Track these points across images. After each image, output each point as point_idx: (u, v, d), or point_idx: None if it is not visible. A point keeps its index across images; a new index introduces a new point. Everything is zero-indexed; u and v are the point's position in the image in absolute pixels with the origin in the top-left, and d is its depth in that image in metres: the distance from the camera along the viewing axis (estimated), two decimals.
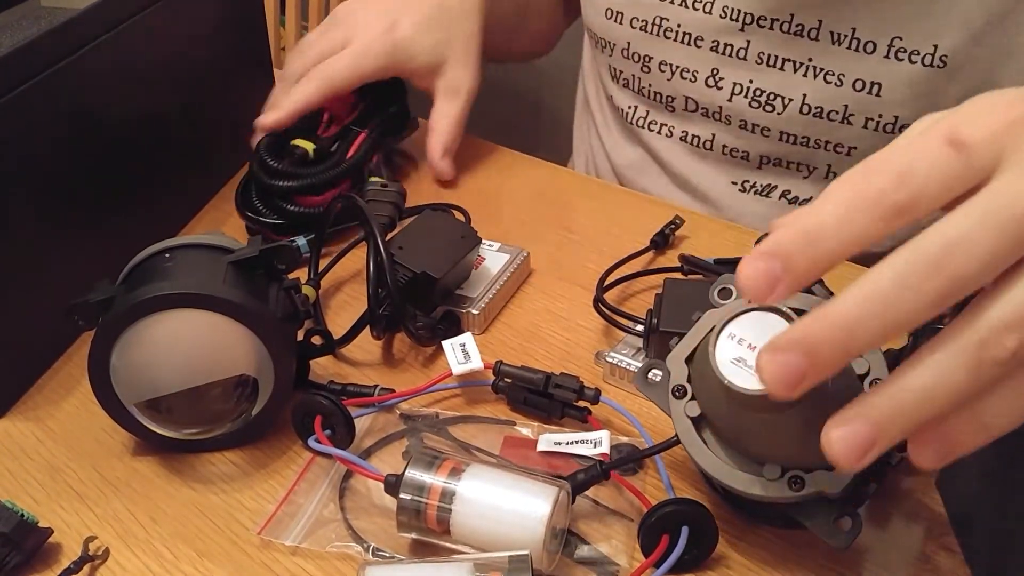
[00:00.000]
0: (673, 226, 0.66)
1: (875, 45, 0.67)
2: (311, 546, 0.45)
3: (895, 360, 0.52)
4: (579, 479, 0.45)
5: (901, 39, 0.66)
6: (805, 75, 0.70)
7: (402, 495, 0.43)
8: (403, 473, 0.43)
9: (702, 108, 0.76)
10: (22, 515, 0.43)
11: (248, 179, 0.68)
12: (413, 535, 0.44)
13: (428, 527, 0.43)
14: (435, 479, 0.43)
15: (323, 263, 0.62)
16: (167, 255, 0.49)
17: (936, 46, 0.65)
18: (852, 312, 0.31)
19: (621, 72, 0.80)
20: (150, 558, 0.45)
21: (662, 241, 0.65)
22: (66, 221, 0.56)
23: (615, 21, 0.77)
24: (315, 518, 0.46)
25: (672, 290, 0.53)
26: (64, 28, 0.54)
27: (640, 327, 0.53)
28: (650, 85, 0.78)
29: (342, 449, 0.47)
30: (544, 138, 1.92)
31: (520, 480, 0.43)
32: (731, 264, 0.59)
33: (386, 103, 0.74)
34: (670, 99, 0.77)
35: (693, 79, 0.74)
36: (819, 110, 0.71)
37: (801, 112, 0.71)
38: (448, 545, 0.43)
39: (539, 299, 0.61)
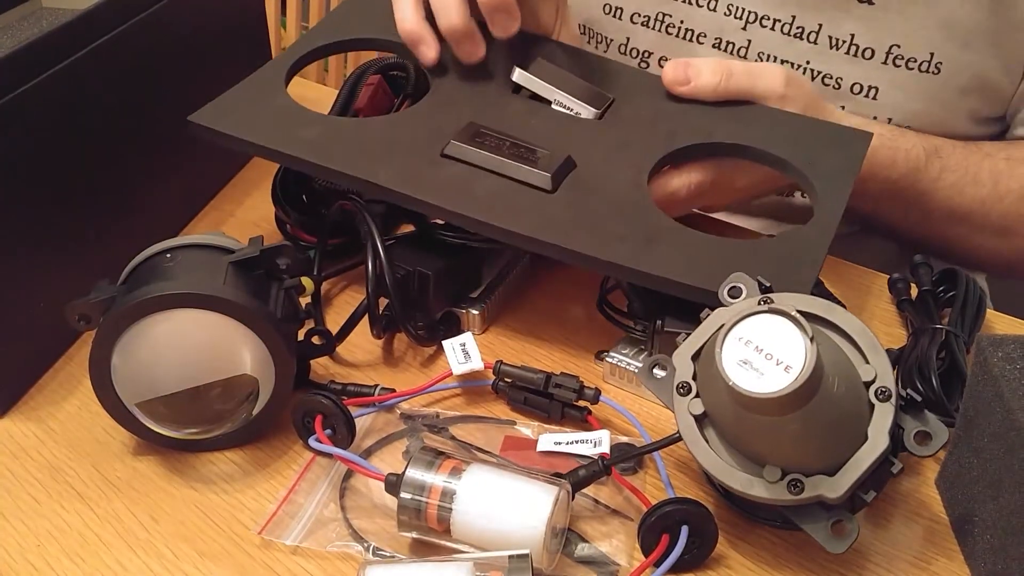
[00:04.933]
0: None
1: (873, 52, 0.67)
2: (312, 546, 0.45)
3: (895, 359, 0.52)
4: (580, 475, 0.45)
5: (899, 47, 0.67)
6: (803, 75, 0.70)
7: (403, 494, 0.43)
8: (404, 472, 0.43)
9: None
10: None
11: (288, 171, 0.63)
12: (414, 534, 0.44)
13: (429, 526, 0.43)
14: (436, 478, 0.43)
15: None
16: (168, 255, 0.49)
17: (932, 54, 0.66)
18: None
19: None
20: (151, 558, 0.45)
21: None
22: (67, 221, 0.56)
23: (614, 16, 0.77)
24: (316, 518, 0.46)
25: None
26: (65, 29, 0.54)
27: (641, 327, 0.53)
28: None
29: (343, 449, 0.47)
30: None
31: (520, 480, 0.43)
32: None
33: None
34: None
35: None
36: None
37: None
38: (449, 544, 0.43)
39: (539, 299, 0.61)
